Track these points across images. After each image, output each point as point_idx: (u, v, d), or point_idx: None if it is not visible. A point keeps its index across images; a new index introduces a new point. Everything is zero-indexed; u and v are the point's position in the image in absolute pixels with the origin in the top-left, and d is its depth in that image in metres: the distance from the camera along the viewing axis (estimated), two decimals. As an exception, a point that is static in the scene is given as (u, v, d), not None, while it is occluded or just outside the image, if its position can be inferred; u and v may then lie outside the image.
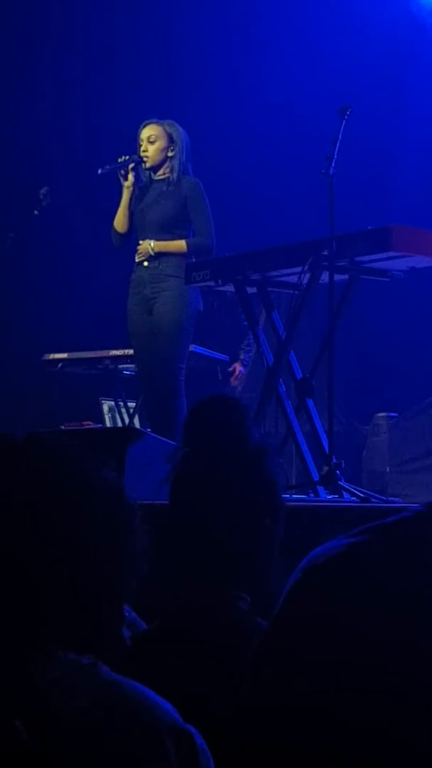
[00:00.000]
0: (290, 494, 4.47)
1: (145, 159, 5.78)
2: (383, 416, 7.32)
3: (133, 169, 5.83)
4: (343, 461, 4.71)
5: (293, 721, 0.96)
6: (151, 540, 1.38)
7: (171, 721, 1.26)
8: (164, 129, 5.78)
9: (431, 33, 7.86)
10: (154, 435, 4.69)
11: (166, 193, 5.79)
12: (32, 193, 7.08)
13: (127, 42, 8.51)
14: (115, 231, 5.95)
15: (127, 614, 1.99)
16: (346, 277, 4.90)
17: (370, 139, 7.47)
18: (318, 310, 5.08)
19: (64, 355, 6.96)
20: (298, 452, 4.92)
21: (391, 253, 4.67)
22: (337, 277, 4.77)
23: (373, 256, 4.74)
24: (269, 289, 5.17)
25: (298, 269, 4.82)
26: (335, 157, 4.75)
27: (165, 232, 5.74)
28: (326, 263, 4.71)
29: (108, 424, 7.07)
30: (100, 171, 5.87)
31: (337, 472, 4.56)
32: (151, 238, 5.74)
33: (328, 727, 0.94)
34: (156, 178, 5.84)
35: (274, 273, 5.08)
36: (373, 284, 5.14)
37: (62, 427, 6.22)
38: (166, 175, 5.80)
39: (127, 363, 6.82)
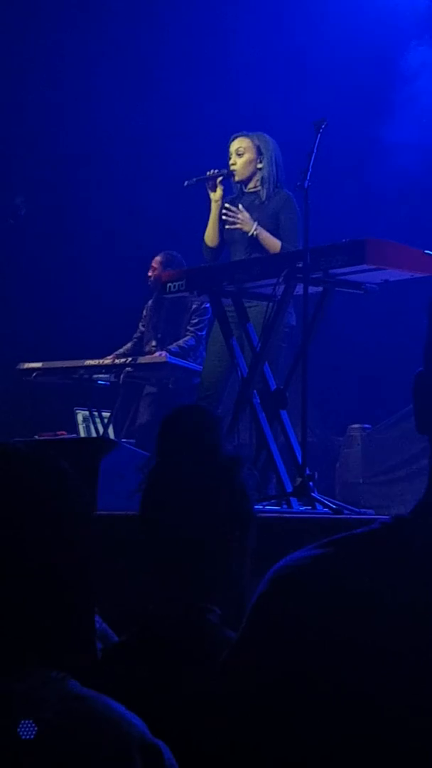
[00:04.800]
0: (263, 505, 4.47)
1: (233, 172, 5.72)
2: (357, 428, 7.34)
3: (221, 182, 5.72)
4: (316, 472, 4.72)
5: (261, 730, 0.96)
6: (122, 551, 1.38)
7: (139, 736, 1.26)
8: (252, 141, 5.69)
9: (407, 42, 7.90)
10: (127, 445, 4.68)
11: (256, 207, 5.66)
12: (7, 202, 7.07)
13: (111, 51, 8.50)
14: (206, 245, 5.80)
15: (97, 625, 1.98)
16: (321, 289, 4.91)
17: (345, 152, 7.50)
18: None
19: (39, 365, 6.93)
20: (271, 463, 4.91)
21: (364, 266, 4.68)
22: (312, 289, 4.78)
23: (348, 269, 4.75)
24: (244, 300, 5.18)
25: (273, 281, 4.83)
26: (310, 170, 4.77)
27: (254, 246, 5.59)
28: (301, 275, 4.72)
29: (82, 434, 7.05)
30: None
31: (311, 483, 4.56)
32: (241, 252, 5.61)
33: (295, 734, 0.94)
34: (247, 190, 5.74)
35: (249, 284, 5.09)
36: (348, 296, 5.16)
37: (36, 436, 6.21)
38: (257, 188, 5.71)
39: (101, 373, 6.80)
